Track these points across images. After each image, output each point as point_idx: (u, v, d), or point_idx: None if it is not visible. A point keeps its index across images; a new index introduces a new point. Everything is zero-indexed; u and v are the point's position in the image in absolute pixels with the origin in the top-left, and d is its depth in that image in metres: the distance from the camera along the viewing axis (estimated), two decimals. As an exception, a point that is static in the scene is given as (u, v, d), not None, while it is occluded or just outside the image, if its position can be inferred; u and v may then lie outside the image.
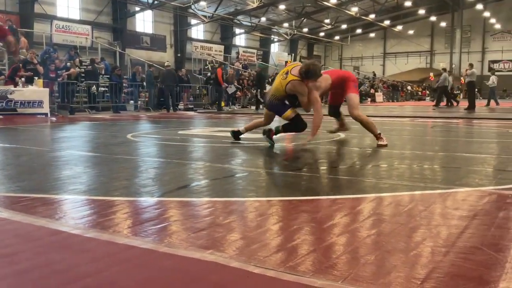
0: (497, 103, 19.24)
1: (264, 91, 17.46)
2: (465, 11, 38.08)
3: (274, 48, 41.11)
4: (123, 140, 6.12)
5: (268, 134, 5.39)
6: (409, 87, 37.61)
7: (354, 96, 5.49)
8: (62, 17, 24.00)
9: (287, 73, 5.20)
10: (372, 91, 30.79)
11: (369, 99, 29.17)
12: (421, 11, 36.90)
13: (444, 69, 19.22)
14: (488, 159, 4.33)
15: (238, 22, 35.09)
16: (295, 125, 5.36)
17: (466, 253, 1.73)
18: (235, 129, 5.87)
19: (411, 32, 41.85)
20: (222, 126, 9.00)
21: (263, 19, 34.67)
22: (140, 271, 1.56)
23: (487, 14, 37.62)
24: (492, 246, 1.80)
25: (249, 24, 35.94)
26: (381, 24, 39.13)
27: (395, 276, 1.51)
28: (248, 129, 5.77)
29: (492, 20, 38.84)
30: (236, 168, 3.76)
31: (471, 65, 16.84)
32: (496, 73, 21.28)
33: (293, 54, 39.10)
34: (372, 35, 44.74)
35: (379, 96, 30.48)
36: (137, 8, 28.80)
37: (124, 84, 15.73)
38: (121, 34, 26.84)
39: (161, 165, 4.02)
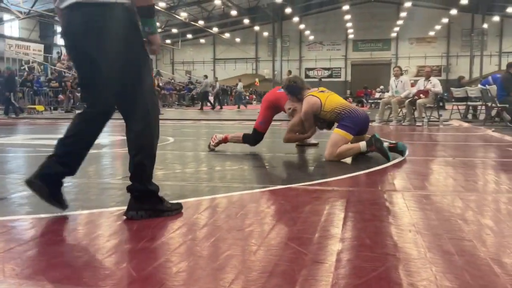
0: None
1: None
2: (284, 22, 41.72)
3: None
4: None
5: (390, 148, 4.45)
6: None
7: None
8: None
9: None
10: (203, 95, 31.61)
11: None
12: (246, 21, 39.29)
13: (206, 76, 23.12)
14: (293, 158, 4.75)
15: (59, 20, 32.45)
16: None
17: (273, 249, 1.84)
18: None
19: (238, 39, 44.19)
20: (38, 134, 8.19)
21: (88, 18, 32.69)
22: None
23: (302, 26, 41.86)
24: (296, 240, 1.96)
25: (73, 23, 33.53)
26: (210, 30, 40.40)
27: (206, 281, 1.53)
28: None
29: (307, 32, 43.38)
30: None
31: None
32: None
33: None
34: (202, 40, 45.90)
35: (211, 98, 31.38)
36: None
37: None
38: None
39: (-44, 181, 3.44)
